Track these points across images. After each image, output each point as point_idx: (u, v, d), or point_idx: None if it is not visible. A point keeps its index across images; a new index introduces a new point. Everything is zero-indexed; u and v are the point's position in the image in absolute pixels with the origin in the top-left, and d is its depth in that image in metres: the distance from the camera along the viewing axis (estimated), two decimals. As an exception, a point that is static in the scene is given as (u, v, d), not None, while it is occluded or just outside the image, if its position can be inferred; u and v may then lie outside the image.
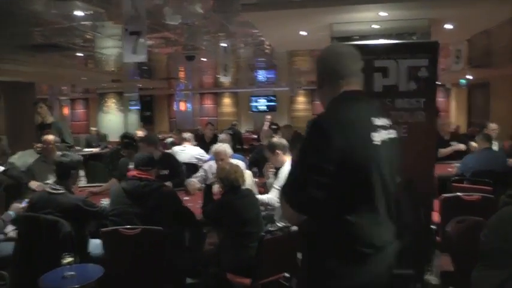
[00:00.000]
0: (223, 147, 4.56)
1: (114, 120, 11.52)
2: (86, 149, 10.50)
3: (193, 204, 4.01)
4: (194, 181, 4.58)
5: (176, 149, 6.50)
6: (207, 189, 3.49)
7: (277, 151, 4.08)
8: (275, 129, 13.73)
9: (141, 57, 4.02)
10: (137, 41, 3.82)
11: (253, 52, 8.80)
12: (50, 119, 6.01)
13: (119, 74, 9.73)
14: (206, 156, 6.48)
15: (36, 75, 7.17)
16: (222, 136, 5.98)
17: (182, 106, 17.82)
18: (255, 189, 5.18)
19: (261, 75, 14.08)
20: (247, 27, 5.91)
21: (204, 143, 7.86)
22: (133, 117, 13.28)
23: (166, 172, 4.75)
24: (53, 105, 18.03)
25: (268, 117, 13.99)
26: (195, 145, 7.01)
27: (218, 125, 18.04)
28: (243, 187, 3.39)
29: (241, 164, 4.79)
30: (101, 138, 10.44)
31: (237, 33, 6.38)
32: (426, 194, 3.50)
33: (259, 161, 6.49)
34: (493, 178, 4.25)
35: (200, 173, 4.85)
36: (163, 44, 6.83)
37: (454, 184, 4.11)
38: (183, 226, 3.40)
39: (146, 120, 17.43)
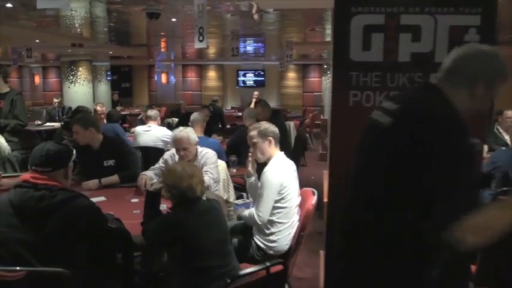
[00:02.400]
0: (186, 132, 3.46)
1: (81, 91, 10.19)
2: (48, 124, 9.31)
3: (141, 210, 2.93)
4: (147, 175, 3.48)
5: (138, 129, 5.37)
6: (151, 196, 2.40)
7: (270, 138, 3.02)
8: (262, 107, 12.64)
9: (60, 3, 2.87)
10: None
11: (239, 18, 7.54)
12: (4, 88, 4.65)
13: (81, 38, 8.41)
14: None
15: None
16: (194, 116, 4.84)
17: (163, 78, 16.52)
18: (231, 191, 4.12)
19: (249, 46, 12.77)
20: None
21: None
22: (104, 89, 11.94)
23: (111, 163, 3.66)
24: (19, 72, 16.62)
25: (256, 93, 12.87)
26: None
27: (202, 100, 16.85)
28: (205, 197, 2.30)
29: (211, 155, 3.70)
30: (64, 112, 9.22)
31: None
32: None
33: (241, 146, 5.41)
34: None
35: (159, 163, 3.74)
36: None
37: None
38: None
39: (125, 93, 16.16)
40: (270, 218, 2.91)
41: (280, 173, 2.91)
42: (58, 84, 17.24)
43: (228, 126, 8.50)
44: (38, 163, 1.97)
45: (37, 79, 17.55)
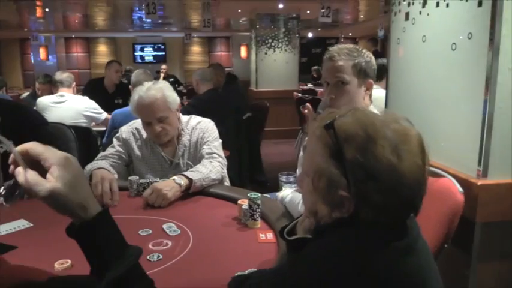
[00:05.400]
0: (160, 89, 2.07)
1: None
2: None
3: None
4: (104, 167, 1.93)
5: (45, 101, 3.55)
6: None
7: (371, 80, 1.80)
8: (173, 82, 11.00)
9: None
10: None
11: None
12: None
13: None
14: (103, 114, 3.70)
15: None
16: (138, 75, 3.24)
17: (42, 54, 13.68)
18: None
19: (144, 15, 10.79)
20: None
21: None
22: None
23: None
24: None
25: (164, 66, 11.26)
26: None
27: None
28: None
29: (210, 125, 2.27)
30: None
31: None
32: None
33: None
34: None
35: (114, 147, 2.18)
36: None
37: None
38: None
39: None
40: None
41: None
42: None
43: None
44: None
45: None
